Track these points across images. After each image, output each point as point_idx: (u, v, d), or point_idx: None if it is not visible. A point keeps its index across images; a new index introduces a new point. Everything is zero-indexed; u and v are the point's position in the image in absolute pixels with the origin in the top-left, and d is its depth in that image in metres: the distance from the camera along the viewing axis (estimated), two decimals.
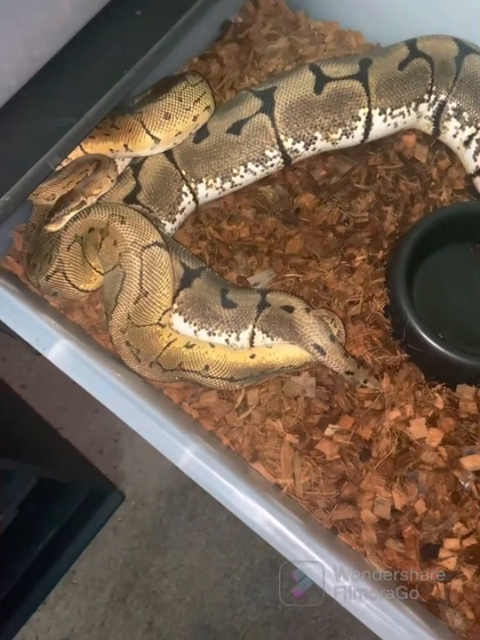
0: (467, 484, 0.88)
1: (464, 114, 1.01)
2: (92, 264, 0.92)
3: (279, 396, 0.94)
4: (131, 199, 0.97)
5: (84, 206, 0.91)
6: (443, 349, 0.89)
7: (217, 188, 1.04)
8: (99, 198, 0.95)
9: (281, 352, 0.91)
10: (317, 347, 0.88)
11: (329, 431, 0.91)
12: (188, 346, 0.90)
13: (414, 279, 0.98)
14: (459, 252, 1.01)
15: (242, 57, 1.18)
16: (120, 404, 0.73)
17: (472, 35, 1.03)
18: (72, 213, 0.90)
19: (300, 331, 0.89)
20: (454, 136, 1.04)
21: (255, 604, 1.63)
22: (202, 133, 1.01)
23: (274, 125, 1.00)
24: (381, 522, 0.88)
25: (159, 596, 1.67)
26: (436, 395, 0.91)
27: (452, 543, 0.86)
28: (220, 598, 1.65)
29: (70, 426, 1.80)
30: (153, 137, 0.95)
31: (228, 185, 1.04)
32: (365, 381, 0.92)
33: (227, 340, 0.93)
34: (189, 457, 0.70)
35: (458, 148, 1.05)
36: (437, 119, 1.04)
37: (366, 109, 1.01)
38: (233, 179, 1.03)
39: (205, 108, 0.99)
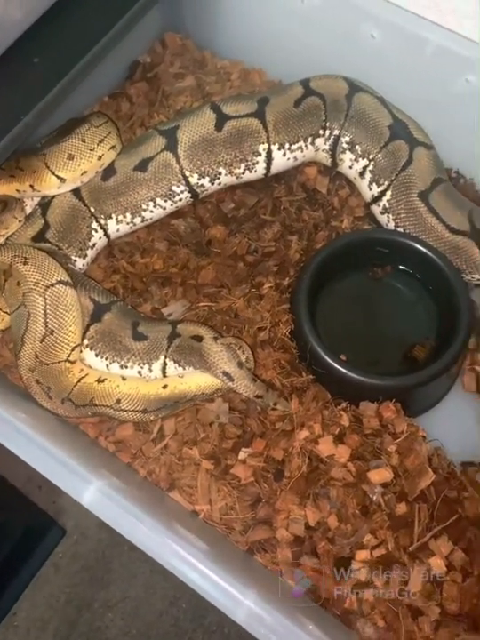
0: (375, 497, 0.92)
1: (357, 147, 1.08)
2: None
3: (194, 423, 0.96)
4: (39, 238, 0.99)
5: None
6: (344, 370, 0.94)
7: (128, 224, 1.07)
8: (6, 239, 0.96)
9: (193, 380, 0.94)
10: (226, 373, 0.92)
11: (242, 455, 0.94)
12: (99, 380, 0.92)
13: (319, 304, 1.04)
14: (359, 276, 1.07)
15: (151, 95, 1.23)
16: (19, 443, 0.73)
17: (361, 74, 1.11)
18: None
19: (209, 359, 0.92)
20: (350, 168, 1.11)
21: (202, 630, 1.62)
22: (109, 172, 1.04)
23: (178, 162, 1.04)
24: (296, 539, 0.91)
25: (104, 632, 1.64)
26: (342, 413, 0.96)
27: (363, 555, 0.90)
28: (165, 627, 1.63)
29: (7, 462, 1.74)
30: (58, 177, 0.98)
31: (138, 220, 1.07)
32: (275, 404, 0.95)
33: (139, 372, 0.95)
34: (92, 494, 0.71)
35: (354, 178, 1.12)
36: (334, 152, 1.11)
37: (266, 145, 1.06)
38: (143, 214, 1.06)
39: (111, 148, 1.02)
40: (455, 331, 0.95)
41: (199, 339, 0.93)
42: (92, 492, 0.72)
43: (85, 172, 0.99)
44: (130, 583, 1.67)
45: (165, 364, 0.95)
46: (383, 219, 1.09)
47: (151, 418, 0.94)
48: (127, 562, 1.68)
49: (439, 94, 1.07)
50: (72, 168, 0.97)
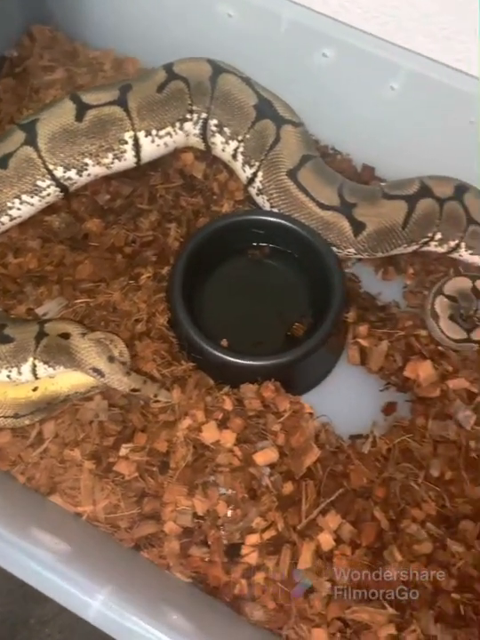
0: (262, 479, 0.92)
1: (225, 129, 1.07)
2: None
3: (74, 424, 0.93)
4: None
5: None
6: (220, 354, 0.93)
7: None
8: None
9: (64, 380, 0.91)
10: (96, 370, 0.89)
11: (123, 451, 0.91)
12: None
13: (198, 290, 1.02)
14: (238, 259, 1.06)
15: (19, 90, 1.18)
16: None
17: (226, 55, 1.10)
18: None
19: (77, 356, 0.89)
20: (223, 150, 1.10)
21: None
22: None
23: (40, 156, 1.00)
24: (185, 531, 0.89)
25: None
26: (224, 397, 0.94)
27: (253, 539, 0.88)
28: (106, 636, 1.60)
29: None
30: None
31: (6, 219, 1.03)
32: (156, 395, 0.93)
33: (8, 377, 0.91)
34: None
35: (229, 161, 1.11)
36: (205, 136, 1.09)
37: (131, 132, 1.04)
38: (10, 212, 1.02)
39: None
40: (329, 306, 0.95)
41: (66, 336, 0.90)
42: None
43: None
44: None
45: (35, 365, 0.91)
46: (259, 200, 1.08)
47: (26, 422, 0.91)
48: None
49: (300, 70, 1.06)
50: None
